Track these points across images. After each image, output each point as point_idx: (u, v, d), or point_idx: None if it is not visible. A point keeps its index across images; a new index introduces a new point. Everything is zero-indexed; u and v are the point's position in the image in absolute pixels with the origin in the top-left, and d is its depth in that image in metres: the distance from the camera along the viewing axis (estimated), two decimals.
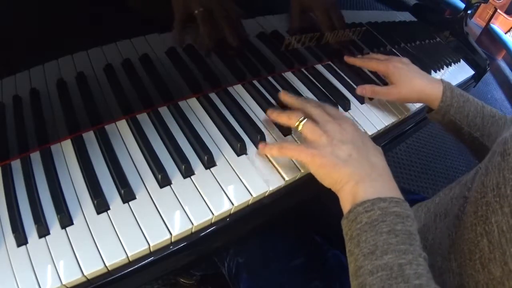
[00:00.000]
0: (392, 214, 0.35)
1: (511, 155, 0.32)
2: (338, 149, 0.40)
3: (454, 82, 0.85)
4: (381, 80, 0.69)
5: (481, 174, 0.36)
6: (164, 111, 0.48)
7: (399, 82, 0.58)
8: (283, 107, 0.51)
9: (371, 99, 0.63)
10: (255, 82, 0.57)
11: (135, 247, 0.36)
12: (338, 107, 0.59)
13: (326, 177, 0.41)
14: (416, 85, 0.57)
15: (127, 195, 0.39)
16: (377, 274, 0.32)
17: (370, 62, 0.63)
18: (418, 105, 0.67)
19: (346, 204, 0.39)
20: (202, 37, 0.48)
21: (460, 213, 0.39)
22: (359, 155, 0.40)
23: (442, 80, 0.58)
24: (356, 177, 0.39)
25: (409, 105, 0.66)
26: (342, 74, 0.66)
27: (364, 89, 0.60)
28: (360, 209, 0.36)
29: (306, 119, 0.44)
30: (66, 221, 0.36)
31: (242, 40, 0.54)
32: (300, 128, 0.44)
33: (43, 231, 0.35)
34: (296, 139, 0.50)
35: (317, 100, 0.58)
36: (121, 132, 0.45)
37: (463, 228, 0.37)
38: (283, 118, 0.47)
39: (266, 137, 0.49)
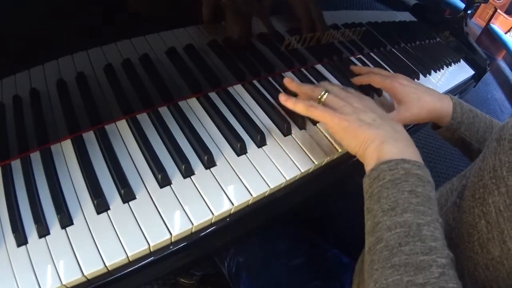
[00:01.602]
0: (415, 176, 0.36)
1: (506, 139, 0.33)
2: (362, 115, 0.42)
3: (454, 82, 0.85)
4: None
5: (478, 160, 0.37)
6: (164, 111, 0.49)
7: (408, 101, 0.53)
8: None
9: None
10: (255, 82, 0.57)
11: (135, 247, 0.36)
12: None
13: (352, 139, 0.42)
14: (426, 103, 0.53)
15: (127, 195, 0.39)
16: (395, 230, 0.33)
17: (375, 78, 0.58)
18: None
19: (370, 162, 0.39)
20: (231, 25, 0.50)
21: (458, 200, 0.40)
22: (383, 122, 0.42)
23: (450, 96, 0.56)
24: (381, 137, 0.40)
25: None
26: (342, 74, 0.66)
27: None
28: (384, 167, 0.36)
29: (328, 93, 0.45)
30: (66, 221, 0.36)
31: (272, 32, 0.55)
32: (323, 99, 0.45)
33: (43, 231, 0.35)
34: (296, 139, 0.50)
35: None
36: (121, 132, 0.45)
37: (461, 212, 0.38)
38: (305, 89, 0.48)
39: (266, 137, 0.49)
